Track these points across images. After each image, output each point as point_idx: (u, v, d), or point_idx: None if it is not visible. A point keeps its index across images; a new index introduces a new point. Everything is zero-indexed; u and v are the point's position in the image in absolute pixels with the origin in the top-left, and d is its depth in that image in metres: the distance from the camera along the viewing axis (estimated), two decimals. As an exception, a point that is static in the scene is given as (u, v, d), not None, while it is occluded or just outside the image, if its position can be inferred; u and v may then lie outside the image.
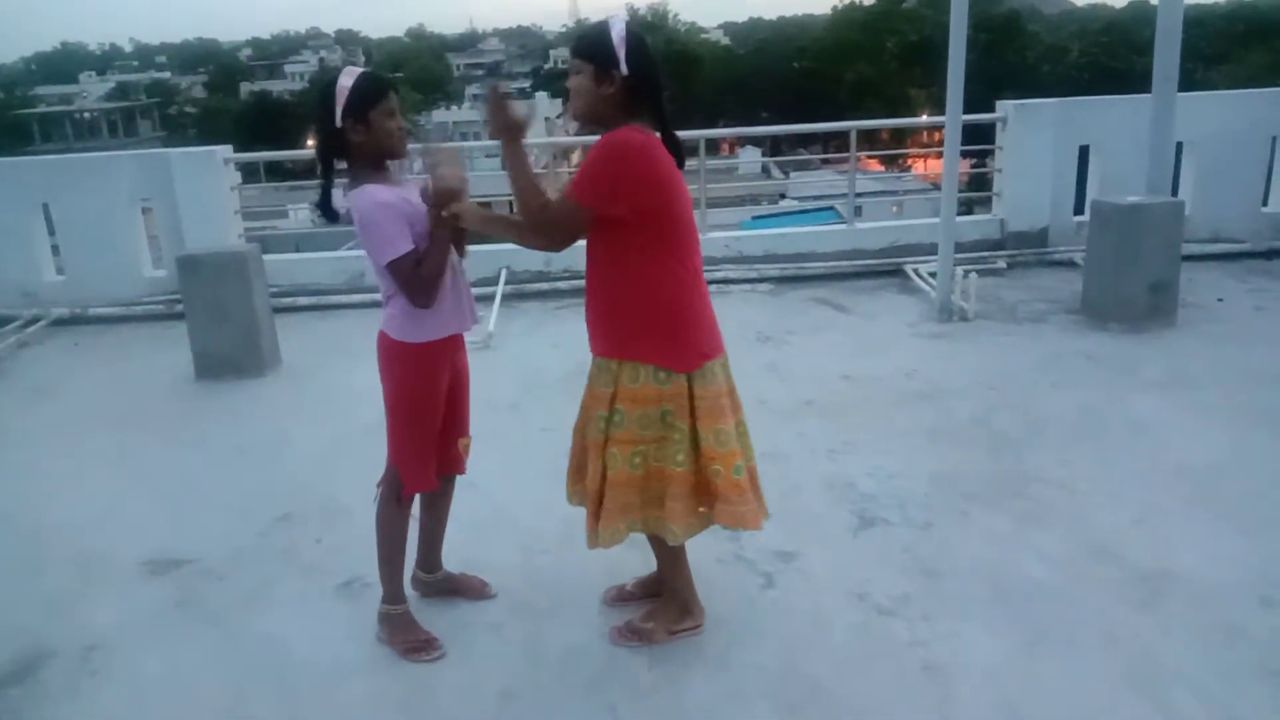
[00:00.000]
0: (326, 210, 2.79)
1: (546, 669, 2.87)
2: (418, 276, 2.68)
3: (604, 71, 2.53)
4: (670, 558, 2.93)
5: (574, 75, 2.59)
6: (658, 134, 2.61)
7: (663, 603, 3.01)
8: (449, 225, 2.71)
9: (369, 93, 2.65)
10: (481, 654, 2.95)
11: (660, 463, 2.71)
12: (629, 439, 2.68)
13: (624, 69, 2.52)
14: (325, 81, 2.71)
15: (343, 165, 2.75)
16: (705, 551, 3.41)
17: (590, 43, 2.56)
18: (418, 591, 3.23)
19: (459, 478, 3.20)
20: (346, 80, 2.66)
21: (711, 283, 7.10)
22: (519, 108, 2.61)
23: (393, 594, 3.02)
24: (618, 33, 2.53)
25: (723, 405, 2.72)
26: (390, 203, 2.65)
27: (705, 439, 2.69)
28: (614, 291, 2.68)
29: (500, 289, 7.00)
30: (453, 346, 2.93)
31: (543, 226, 2.62)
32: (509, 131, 2.60)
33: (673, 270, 2.64)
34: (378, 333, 2.85)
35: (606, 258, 2.67)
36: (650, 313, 2.64)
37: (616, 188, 2.50)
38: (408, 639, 2.99)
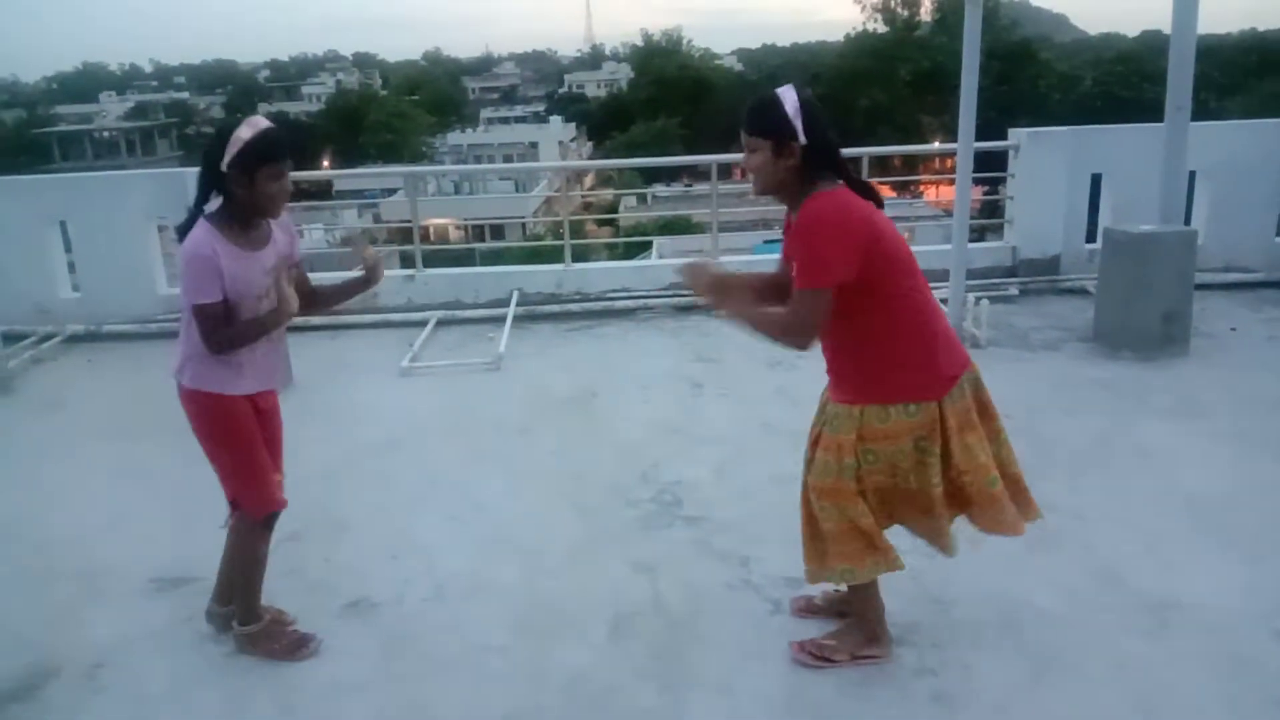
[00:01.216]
0: (183, 235, 2.78)
1: (550, 691, 2.85)
2: (220, 328, 2.69)
3: (782, 144, 2.55)
4: (868, 593, 2.90)
5: (751, 153, 2.60)
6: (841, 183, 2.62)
7: (850, 625, 2.98)
8: (288, 315, 2.81)
9: (263, 152, 2.66)
10: (485, 675, 2.94)
11: (919, 485, 2.71)
12: (888, 471, 2.70)
13: (803, 139, 2.53)
14: (224, 124, 2.72)
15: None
16: (713, 577, 3.41)
17: (765, 118, 2.57)
18: (212, 626, 3.20)
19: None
20: (246, 131, 2.66)
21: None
22: (705, 271, 2.77)
23: (254, 614, 3.07)
24: (791, 104, 2.55)
25: (971, 419, 2.74)
26: (207, 255, 2.67)
27: (954, 454, 2.70)
28: (856, 345, 2.70)
29: (511, 310, 7.02)
30: (258, 400, 3.00)
31: (797, 329, 2.60)
32: (717, 296, 2.74)
33: (906, 303, 2.65)
34: (176, 380, 2.90)
35: (838, 314, 2.62)
36: (893, 354, 2.65)
37: (847, 258, 2.51)
38: (282, 643, 3.05)
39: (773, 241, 20.16)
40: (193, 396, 2.87)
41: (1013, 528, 2.80)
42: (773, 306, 2.77)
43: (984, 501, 2.75)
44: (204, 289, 2.67)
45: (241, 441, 2.91)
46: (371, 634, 3.17)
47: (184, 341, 2.84)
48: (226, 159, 2.63)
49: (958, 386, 2.69)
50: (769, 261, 8.23)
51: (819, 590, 3.19)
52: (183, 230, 2.76)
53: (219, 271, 2.68)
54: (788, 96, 2.55)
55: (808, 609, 3.17)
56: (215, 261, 2.67)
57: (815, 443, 2.81)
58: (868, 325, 2.63)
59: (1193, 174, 6.93)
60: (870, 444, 2.68)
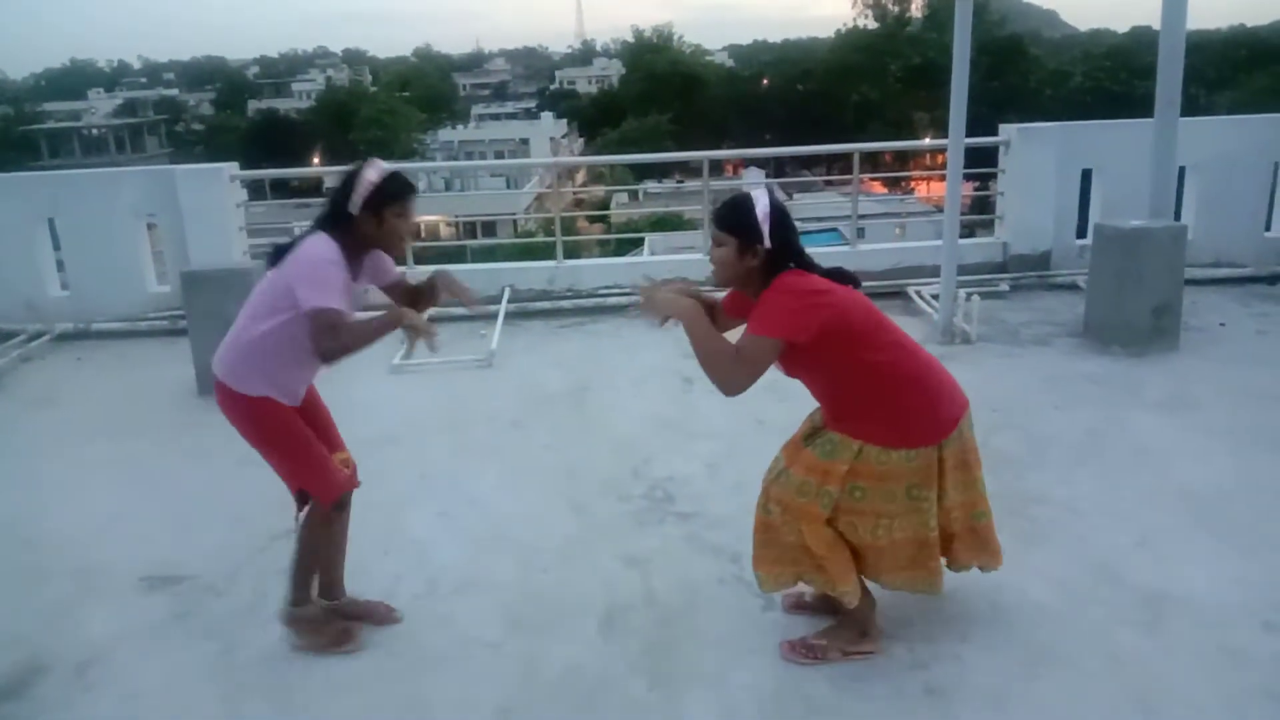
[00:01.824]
0: (274, 261, 2.80)
1: (543, 686, 2.85)
2: (336, 334, 2.66)
3: (748, 245, 2.65)
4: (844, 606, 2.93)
5: (717, 246, 2.71)
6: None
7: (842, 622, 2.98)
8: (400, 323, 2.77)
9: (391, 192, 2.75)
10: (479, 671, 2.94)
11: (910, 532, 2.79)
12: (871, 511, 2.76)
13: (767, 243, 2.63)
14: (350, 172, 2.78)
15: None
16: (705, 572, 3.41)
17: (734, 218, 2.68)
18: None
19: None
20: (373, 174, 2.73)
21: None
22: (662, 293, 2.81)
23: (305, 595, 3.07)
24: (762, 209, 2.64)
25: (966, 459, 2.83)
26: (340, 263, 2.71)
27: (948, 492, 2.80)
28: (855, 400, 2.74)
29: (503, 307, 7.02)
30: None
31: (739, 368, 2.65)
32: (677, 314, 2.76)
33: (895, 363, 2.70)
34: (216, 381, 2.89)
35: (821, 369, 2.74)
36: (895, 405, 2.70)
37: (804, 320, 2.60)
38: (326, 634, 3.06)
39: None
40: (248, 402, 2.84)
41: (995, 558, 2.98)
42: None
43: (968, 535, 2.90)
44: (332, 291, 2.66)
45: (296, 437, 2.91)
46: (365, 630, 3.16)
47: (243, 348, 2.83)
48: (355, 202, 2.72)
49: (956, 429, 2.76)
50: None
51: (810, 588, 3.19)
52: (276, 254, 2.79)
53: (345, 283, 2.72)
54: (760, 200, 2.66)
55: (798, 605, 3.17)
56: (344, 271, 2.72)
57: (795, 458, 2.83)
58: (865, 381, 2.69)
59: (1182, 169, 6.96)
60: (861, 481, 2.73)
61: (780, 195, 2.72)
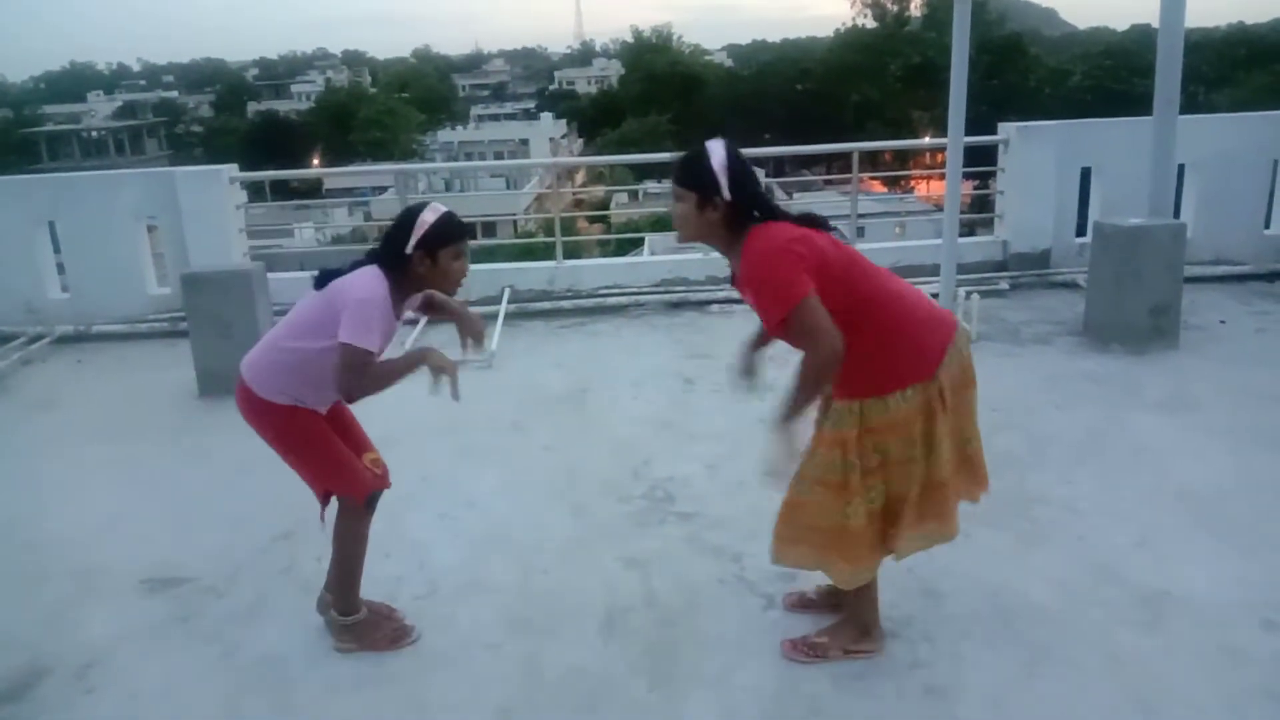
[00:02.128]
0: (322, 283, 2.83)
1: (544, 688, 2.85)
2: (361, 374, 2.70)
3: (706, 198, 2.58)
4: (865, 590, 2.89)
5: (677, 201, 2.63)
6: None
7: (843, 622, 2.97)
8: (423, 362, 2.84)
9: (446, 235, 2.77)
10: (479, 672, 2.94)
11: (929, 472, 2.72)
12: (899, 464, 2.69)
13: (726, 195, 2.56)
14: (408, 212, 2.80)
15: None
16: (706, 572, 3.41)
17: (691, 172, 2.61)
18: (324, 617, 3.20)
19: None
20: (430, 216, 2.76)
21: (713, 302, 7.16)
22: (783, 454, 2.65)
23: (354, 605, 3.07)
24: (719, 160, 2.57)
25: (967, 377, 2.77)
26: (385, 304, 2.74)
27: (948, 421, 2.71)
28: (854, 347, 2.62)
29: (503, 308, 7.02)
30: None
31: (815, 347, 2.53)
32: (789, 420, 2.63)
33: (877, 303, 2.65)
34: (240, 383, 2.93)
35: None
36: (880, 349, 2.63)
37: (803, 268, 2.51)
38: (384, 632, 3.08)
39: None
40: (271, 409, 2.89)
41: (980, 485, 2.94)
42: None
43: (961, 466, 2.83)
44: (372, 334, 2.69)
45: (320, 440, 2.94)
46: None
47: (277, 360, 2.87)
48: (412, 242, 2.74)
49: (947, 354, 2.68)
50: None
51: (811, 585, 3.19)
52: (323, 279, 2.81)
53: (386, 324, 2.75)
54: (715, 151, 2.59)
55: (800, 604, 3.17)
56: (389, 313, 2.76)
57: (818, 438, 2.79)
58: (847, 328, 2.59)
59: (1182, 167, 6.96)
60: (879, 436, 2.67)
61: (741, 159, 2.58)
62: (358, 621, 3.07)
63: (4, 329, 6.85)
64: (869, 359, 2.63)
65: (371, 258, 2.83)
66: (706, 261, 7.50)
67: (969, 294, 6.15)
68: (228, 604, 3.39)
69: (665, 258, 8.32)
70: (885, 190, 35.47)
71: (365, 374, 2.70)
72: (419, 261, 2.76)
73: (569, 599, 3.26)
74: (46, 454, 4.92)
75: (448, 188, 38.23)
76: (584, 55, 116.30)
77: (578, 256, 9.20)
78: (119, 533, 3.98)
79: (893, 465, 2.70)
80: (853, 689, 2.78)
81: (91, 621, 3.30)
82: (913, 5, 59.13)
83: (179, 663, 3.06)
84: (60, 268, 7.41)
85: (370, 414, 5.24)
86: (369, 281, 2.73)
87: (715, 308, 7.03)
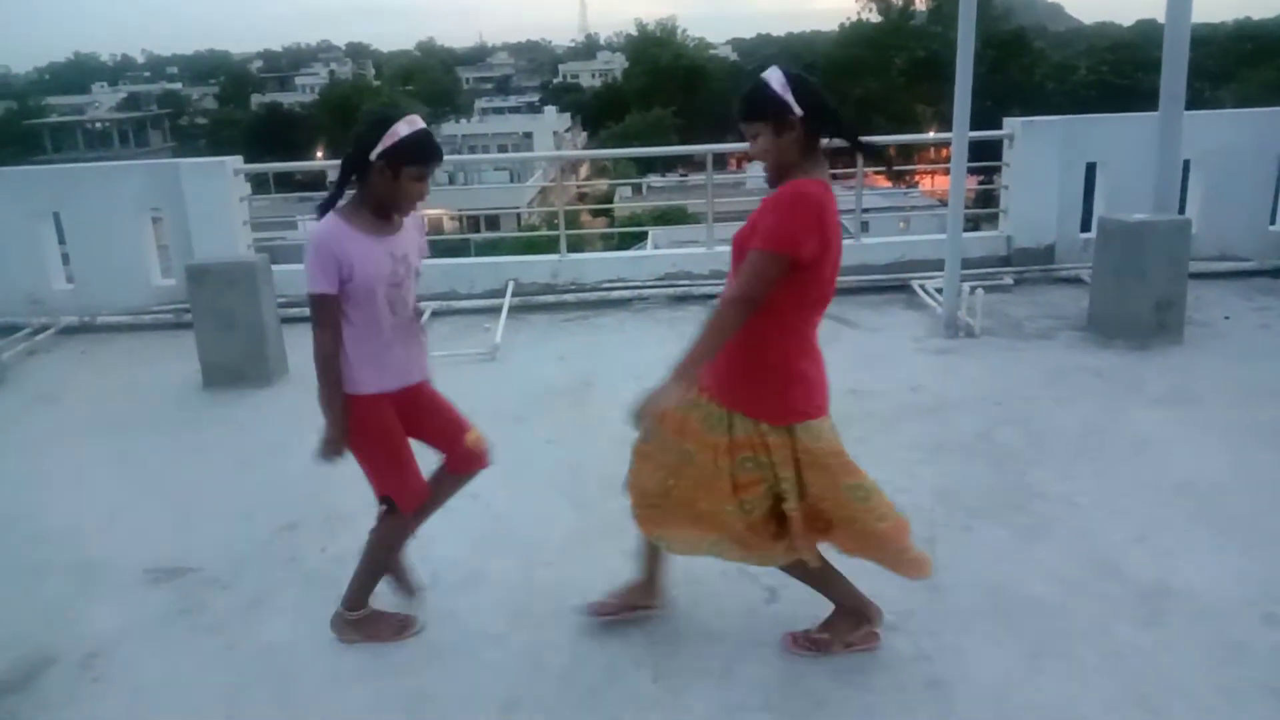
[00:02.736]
0: (323, 212, 2.79)
1: (548, 680, 2.87)
2: (326, 322, 2.71)
3: (782, 121, 2.53)
4: (818, 578, 2.90)
5: (754, 140, 2.57)
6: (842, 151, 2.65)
7: (835, 614, 2.98)
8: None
9: (414, 153, 2.66)
10: (483, 664, 2.95)
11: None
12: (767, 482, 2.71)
13: (798, 110, 2.51)
14: (383, 114, 2.71)
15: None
16: (710, 565, 3.40)
17: (757, 103, 2.55)
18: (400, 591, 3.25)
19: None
20: (404, 128, 2.65)
21: (715, 296, 7.13)
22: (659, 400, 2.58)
23: (363, 602, 3.08)
24: (779, 81, 2.53)
25: (829, 465, 2.72)
26: (327, 244, 2.67)
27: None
28: (752, 343, 2.62)
29: (507, 301, 7.02)
30: (400, 396, 2.92)
31: (743, 294, 2.51)
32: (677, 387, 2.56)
33: (812, 317, 2.66)
34: None
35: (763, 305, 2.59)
36: (792, 366, 2.64)
37: (811, 240, 2.47)
38: (390, 624, 3.10)
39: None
40: (348, 400, 2.84)
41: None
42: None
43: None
44: (318, 277, 2.67)
45: (384, 441, 2.89)
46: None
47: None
48: (379, 149, 2.64)
49: (812, 424, 2.67)
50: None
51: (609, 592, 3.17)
52: (322, 209, 2.79)
53: (338, 262, 2.68)
54: (773, 76, 2.54)
55: (605, 611, 3.10)
56: (335, 250, 2.68)
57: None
58: (781, 324, 2.60)
59: (1187, 162, 6.95)
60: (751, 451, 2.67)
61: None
62: (362, 617, 3.08)
63: (9, 320, 6.87)
64: (780, 374, 2.62)
65: (342, 173, 2.77)
66: (710, 255, 7.50)
67: (973, 289, 6.15)
68: (231, 596, 3.40)
69: (669, 251, 8.32)
70: (890, 185, 35.41)
71: (325, 321, 2.70)
72: (378, 172, 2.66)
73: (572, 591, 3.27)
74: (50, 446, 4.94)
75: (451, 181, 38.24)
76: (588, 48, 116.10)
77: (581, 250, 9.20)
78: (123, 525, 3.99)
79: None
80: (854, 682, 2.79)
81: (95, 613, 3.32)
82: (917, -1, 58.99)
83: (182, 654, 3.08)
84: (65, 259, 7.43)
85: (374, 406, 5.15)
86: (314, 230, 2.72)
87: (715, 301, 7.02)
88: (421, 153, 2.68)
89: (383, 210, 2.77)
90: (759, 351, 2.62)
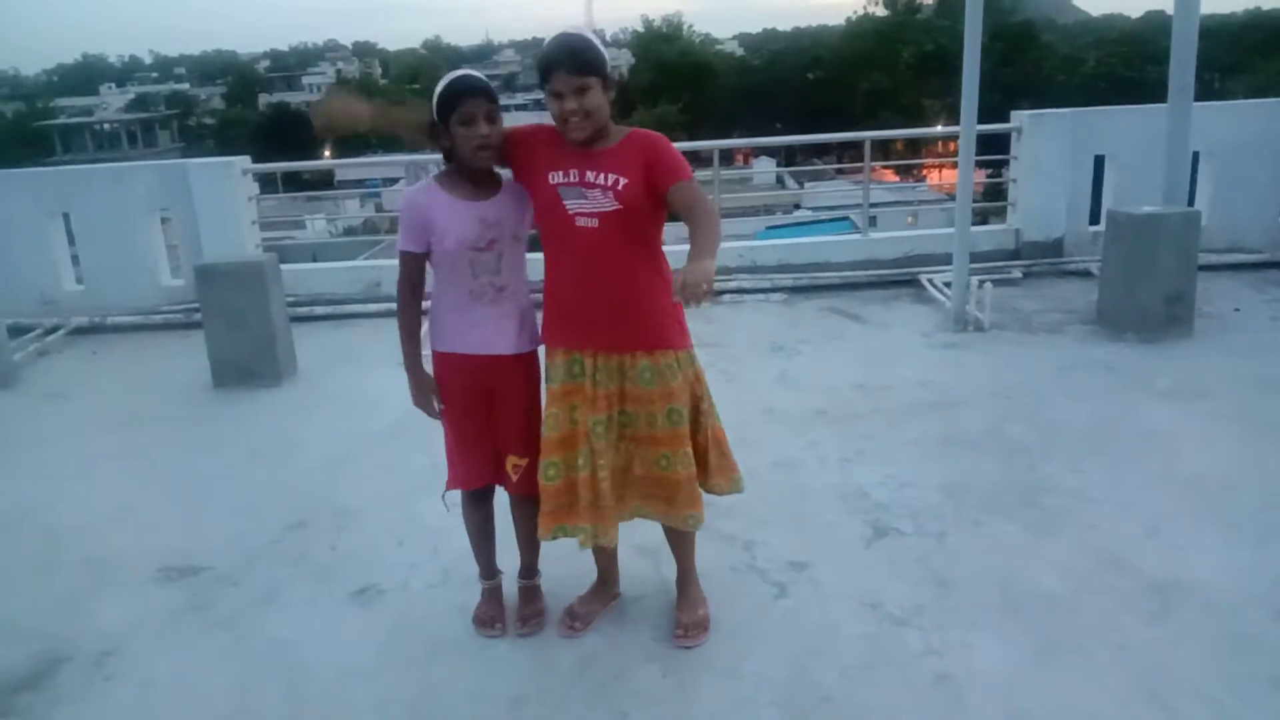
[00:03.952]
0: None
1: (557, 675, 2.87)
2: (409, 278, 2.79)
3: (608, 80, 2.61)
4: (692, 539, 3.06)
5: (583, 94, 2.54)
6: None
7: (697, 589, 3.09)
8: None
9: (449, 99, 2.65)
10: (492, 659, 2.96)
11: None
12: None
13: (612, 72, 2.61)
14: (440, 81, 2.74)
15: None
16: (718, 561, 3.42)
17: (594, 56, 2.57)
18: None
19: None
20: (443, 80, 2.69)
21: (725, 292, 7.16)
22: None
23: (480, 572, 3.17)
24: (598, 39, 2.60)
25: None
26: (412, 205, 2.73)
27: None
28: (653, 282, 2.73)
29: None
30: (479, 364, 2.87)
31: (710, 203, 2.67)
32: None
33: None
34: None
35: (642, 250, 2.73)
36: (667, 296, 2.73)
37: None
38: (477, 611, 3.15)
39: (776, 227, 20.14)
40: (432, 357, 2.95)
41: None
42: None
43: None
44: (403, 236, 2.74)
45: (449, 406, 2.92)
46: (379, 619, 3.19)
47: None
48: (435, 113, 2.68)
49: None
50: (772, 247, 8.24)
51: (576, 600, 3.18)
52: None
53: (423, 223, 2.72)
54: (592, 35, 2.62)
55: (574, 620, 3.09)
56: (420, 212, 2.72)
57: (644, 400, 2.78)
58: (659, 265, 2.75)
59: (1196, 154, 6.92)
60: (703, 384, 2.89)
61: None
62: (483, 588, 3.17)
63: (20, 321, 6.90)
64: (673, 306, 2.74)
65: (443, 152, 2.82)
66: (720, 251, 7.48)
67: (981, 283, 6.13)
68: (242, 592, 3.42)
69: (675, 248, 8.28)
70: (897, 179, 35.32)
71: (408, 277, 2.78)
72: (443, 133, 2.68)
73: (581, 586, 3.27)
74: (62, 444, 4.97)
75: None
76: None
77: (588, 247, 9.16)
78: (133, 522, 4.01)
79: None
80: (862, 677, 2.79)
81: (107, 610, 3.34)
82: (925, -8, 58.75)
83: (194, 649, 3.10)
84: (75, 260, 7.47)
85: (381, 402, 5.26)
86: (406, 191, 2.81)
87: (727, 297, 7.03)
88: (453, 95, 2.65)
89: (469, 172, 2.75)
90: (659, 286, 2.74)
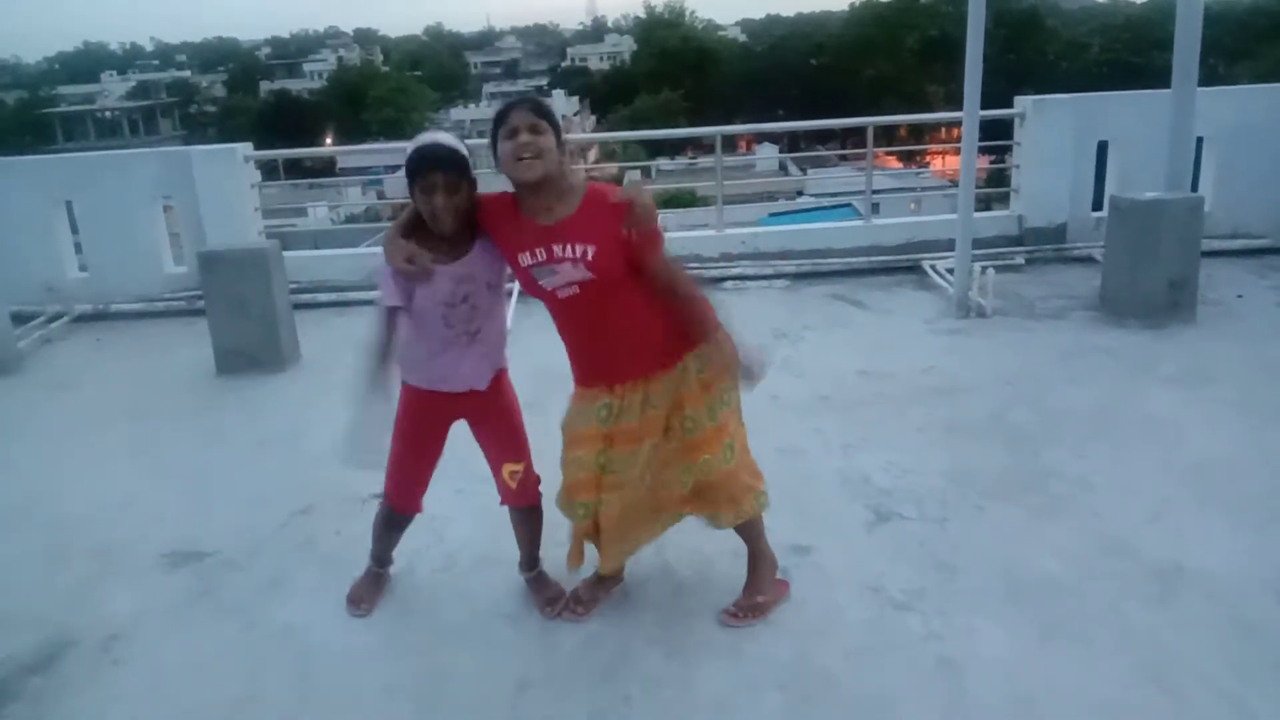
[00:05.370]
0: None
1: (561, 659, 2.89)
2: (379, 321, 2.79)
3: (559, 136, 2.66)
4: (758, 523, 3.08)
5: (538, 135, 2.59)
6: None
7: (757, 569, 3.09)
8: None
9: (411, 167, 2.67)
10: (496, 643, 2.98)
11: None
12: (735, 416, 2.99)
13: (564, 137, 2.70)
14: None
15: None
16: (720, 545, 3.43)
17: (548, 109, 2.68)
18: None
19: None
20: (411, 146, 2.69)
21: (727, 279, 7.15)
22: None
23: (372, 554, 3.29)
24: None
25: None
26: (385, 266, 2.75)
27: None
28: (649, 305, 2.75)
29: (517, 286, 7.00)
30: (443, 400, 2.97)
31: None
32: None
33: None
34: None
35: (626, 290, 2.72)
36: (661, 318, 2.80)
37: None
38: (352, 588, 3.23)
39: (779, 214, 20.11)
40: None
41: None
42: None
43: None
44: (382, 292, 2.77)
45: (401, 427, 3.00)
46: (384, 604, 3.21)
47: None
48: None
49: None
50: (775, 233, 8.22)
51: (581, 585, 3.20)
52: None
53: (402, 282, 2.73)
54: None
55: (575, 607, 3.12)
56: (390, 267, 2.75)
57: (663, 418, 2.86)
58: (647, 297, 2.75)
59: (1200, 140, 6.90)
60: (723, 381, 2.89)
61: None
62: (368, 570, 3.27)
63: (24, 308, 6.91)
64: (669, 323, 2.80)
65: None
66: (720, 238, 7.49)
67: (984, 269, 6.12)
68: (248, 578, 3.44)
69: (678, 234, 8.28)
70: (900, 166, 35.21)
71: (377, 323, 2.79)
72: (414, 197, 2.71)
73: (584, 572, 3.29)
74: (67, 433, 4.98)
75: (461, 166, 38.14)
76: (596, 31, 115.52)
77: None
78: (140, 509, 4.03)
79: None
80: (864, 660, 2.80)
81: (115, 596, 3.36)
82: (929, -22, 58.45)
83: (201, 635, 3.12)
84: (78, 247, 7.47)
85: (387, 384, 5.21)
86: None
87: (730, 284, 7.03)
88: (412, 164, 2.67)
89: (434, 230, 2.75)
90: (652, 315, 2.77)
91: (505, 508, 3.18)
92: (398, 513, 3.17)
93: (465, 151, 2.72)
